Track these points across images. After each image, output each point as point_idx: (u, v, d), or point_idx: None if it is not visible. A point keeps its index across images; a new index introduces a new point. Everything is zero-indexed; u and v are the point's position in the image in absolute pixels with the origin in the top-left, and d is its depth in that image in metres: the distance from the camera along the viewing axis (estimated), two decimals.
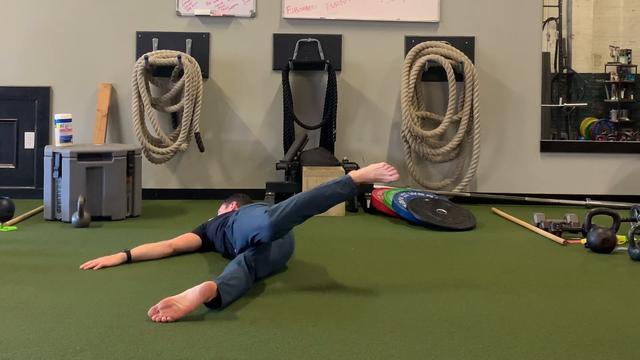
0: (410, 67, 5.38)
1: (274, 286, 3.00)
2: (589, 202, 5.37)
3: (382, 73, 5.58)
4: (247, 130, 5.57)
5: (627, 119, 8.64)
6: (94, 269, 3.27)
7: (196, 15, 5.49)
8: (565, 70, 8.34)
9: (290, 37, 5.52)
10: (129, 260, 3.39)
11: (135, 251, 3.44)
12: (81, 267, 3.28)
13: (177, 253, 3.55)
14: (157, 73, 5.36)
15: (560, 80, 8.29)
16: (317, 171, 4.87)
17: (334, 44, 5.53)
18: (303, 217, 3.00)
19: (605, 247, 3.75)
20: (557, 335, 2.41)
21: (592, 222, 4.06)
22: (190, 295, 2.55)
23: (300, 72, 5.56)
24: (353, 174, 3.05)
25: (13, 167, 5.48)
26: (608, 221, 4.11)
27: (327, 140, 5.43)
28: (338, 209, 4.80)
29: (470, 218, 4.57)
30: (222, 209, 3.88)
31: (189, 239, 3.62)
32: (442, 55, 5.37)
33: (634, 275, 3.30)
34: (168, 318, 2.48)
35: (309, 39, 5.52)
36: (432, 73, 5.45)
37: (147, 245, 3.50)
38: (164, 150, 5.20)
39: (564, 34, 8.23)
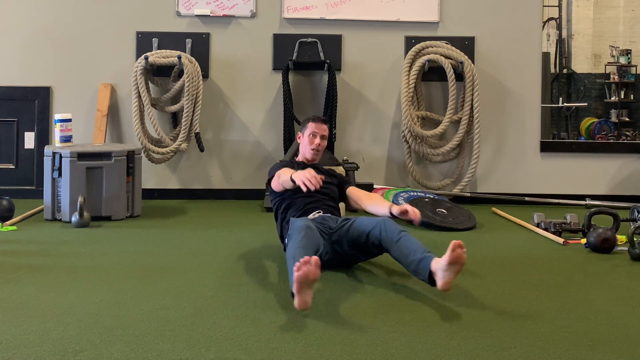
0: (410, 67, 5.38)
1: (274, 286, 3.00)
2: (589, 202, 5.37)
3: (382, 73, 5.58)
4: (247, 130, 5.57)
5: (627, 119, 8.64)
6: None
7: (196, 15, 5.49)
8: (565, 70, 8.34)
9: (290, 37, 5.51)
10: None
11: None
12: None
13: None
14: (157, 73, 5.36)
15: (560, 80, 8.29)
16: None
17: (334, 44, 5.53)
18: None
19: (605, 247, 3.75)
20: (557, 335, 2.40)
21: (592, 222, 4.06)
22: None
23: (300, 72, 5.56)
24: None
25: (13, 167, 5.48)
26: (608, 221, 4.11)
27: (327, 140, 5.42)
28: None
29: (470, 218, 4.57)
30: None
31: None
32: (442, 55, 5.37)
33: (634, 275, 3.30)
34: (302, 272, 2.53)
35: (309, 39, 5.52)
36: (432, 73, 5.45)
37: None
38: (164, 150, 5.20)
39: (564, 34, 8.22)
